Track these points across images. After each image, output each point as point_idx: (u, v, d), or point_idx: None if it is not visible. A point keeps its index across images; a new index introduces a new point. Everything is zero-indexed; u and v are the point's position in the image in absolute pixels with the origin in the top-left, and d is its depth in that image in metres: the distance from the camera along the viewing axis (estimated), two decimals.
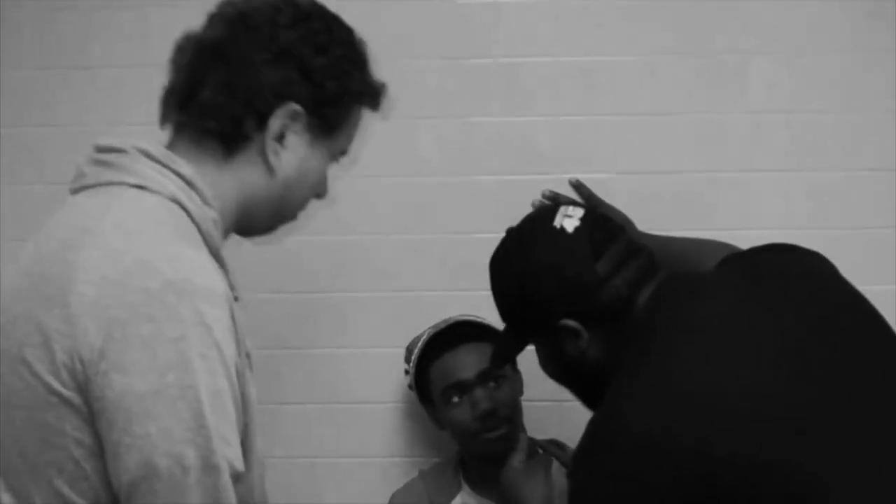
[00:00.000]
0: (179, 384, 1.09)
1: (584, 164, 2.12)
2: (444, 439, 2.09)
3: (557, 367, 1.51)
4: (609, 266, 1.41)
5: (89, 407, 1.11)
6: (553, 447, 2.00)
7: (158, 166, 1.24)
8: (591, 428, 1.32)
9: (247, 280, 2.10)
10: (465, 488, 2.04)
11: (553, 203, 1.69)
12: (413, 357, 2.05)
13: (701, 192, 2.18)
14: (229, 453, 1.12)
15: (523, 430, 2.01)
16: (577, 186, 1.82)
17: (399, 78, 2.11)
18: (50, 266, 1.16)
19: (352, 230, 2.22)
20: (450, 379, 1.97)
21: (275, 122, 1.29)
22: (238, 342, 1.17)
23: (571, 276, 1.41)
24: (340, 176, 2.10)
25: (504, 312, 1.53)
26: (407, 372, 2.08)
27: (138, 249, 1.13)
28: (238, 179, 1.30)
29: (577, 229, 1.44)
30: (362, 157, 2.11)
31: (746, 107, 2.18)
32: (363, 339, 2.23)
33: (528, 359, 1.59)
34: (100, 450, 1.12)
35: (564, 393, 1.56)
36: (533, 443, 1.98)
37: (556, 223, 1.45)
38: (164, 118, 1.33)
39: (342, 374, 2.23)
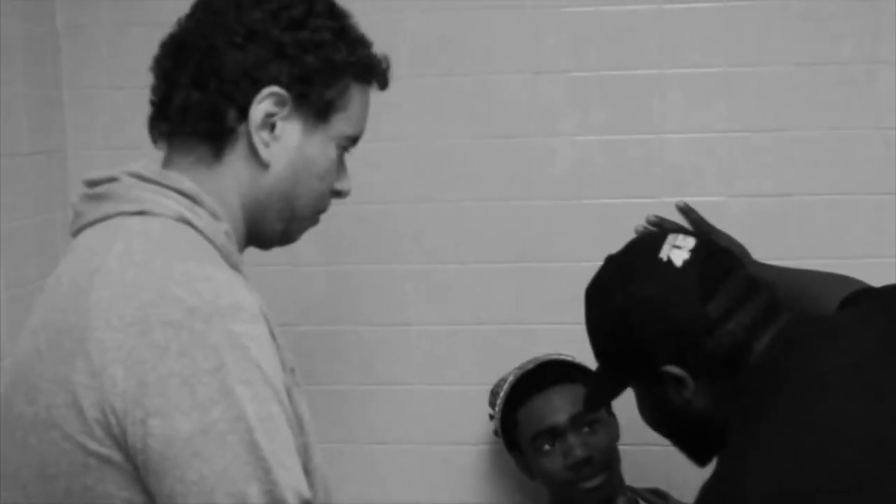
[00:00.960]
0: (226, 418, 1.03)
1: (693, 186, 2.06)
2: (537, 484, 2.01)
3: (657, 415, 1.43)
4: (722, 307, 1.32)
5: (132, 462, 1.05)
6: (655, 497, 1.96)
7: (155, 187, 1.19)
8: (705, 494, 1.22)
9: (331, 311, 2.06)
10: None
11: (660, 230, 1.62)
12: (499, 401, 1.98)
13: (825, 216, 2.08)
14: (293, 481, 1.06)
15: (622, 479, 1.93)
16: (686, 211, 1.76)
17: (491, 93, 2.05)
18: (64, 317, 1.11)
19: (439, 259, 2.17)
20: (540, 424, 1.91)
21: (257, 110, 1.22)
22: (281, 358, 1.11)
23: (677, 317, 1.32)
24: (428, 200, 2.04)
25: (599, 351, 1.45)
26: (492, 417, 2.02)
27: (152, 279, 1.08)
28: (235, 181, 1.25)
29: (686, 262, 1.34)
30: (449, 179, 2.03)
31: (876, 122, 2.05)
32: (450, 376, 2.17)
33: (626, 399, 1.50)
34: None
35: None
36: (633, 492, 1.93)
37: (663, 254, 1.36)
38: (154, 133, 1.29)
39: (432, 414, 2.18)
